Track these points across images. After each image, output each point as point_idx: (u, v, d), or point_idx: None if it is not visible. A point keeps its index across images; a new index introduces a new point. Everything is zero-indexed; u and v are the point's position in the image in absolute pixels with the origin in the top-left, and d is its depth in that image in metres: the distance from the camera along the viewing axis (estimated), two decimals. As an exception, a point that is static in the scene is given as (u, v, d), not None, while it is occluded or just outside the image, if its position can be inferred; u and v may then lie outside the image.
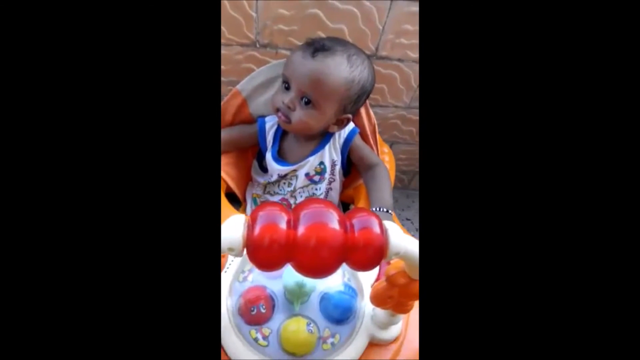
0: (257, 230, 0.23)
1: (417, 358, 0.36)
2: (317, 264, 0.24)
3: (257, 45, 0.62)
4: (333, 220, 0.23)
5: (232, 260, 0.39)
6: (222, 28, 0.59)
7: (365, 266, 0.25)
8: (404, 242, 0.24)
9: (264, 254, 0.23)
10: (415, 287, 0.28)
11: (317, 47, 0.46)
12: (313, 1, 0.57)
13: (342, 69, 0.45)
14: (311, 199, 0.28)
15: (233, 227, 0.23)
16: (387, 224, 0.25)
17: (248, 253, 0.23)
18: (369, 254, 0.24)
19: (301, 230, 0.23)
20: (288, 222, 0.23)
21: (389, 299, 0.29)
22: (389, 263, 0.31)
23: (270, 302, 0.35)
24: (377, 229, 0.24)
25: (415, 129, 0.87)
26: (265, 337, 0.34)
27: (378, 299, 0.30)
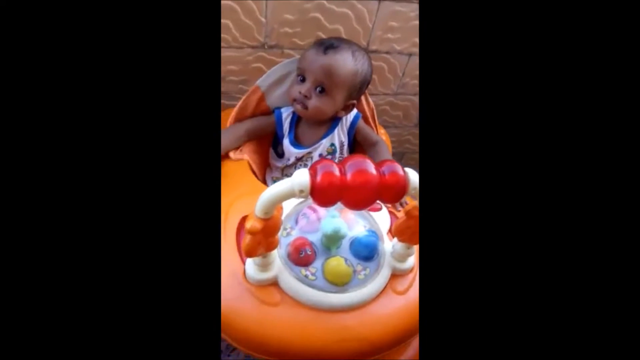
0: (319, 177, 0.32)
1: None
2: (361, 199, 0.33)
3: (266, 47, 0.71)
4: (371, 168, 0.33)
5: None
6: (235, 33, 0.67)
7: (394, 199, 0.34)
8: (418, 181, 0.35)
9: (325, 193, 0.32)
10: (427, 218, 0.38)
11: (327, 45, 0.55)
12: (314, 5, 0.67)
13: (348, 62, 0.55)
14: (352, 155, 0.37)
15: (302, 176, 0.32)
16: (406, 169, 0.35)
17: (313, 193, 0.33)
18: (397, 189, 0.33)
19: (349, 176, 0.33)
20: (340, 170, 0.33)
21: (407, 228, 0.40)
22: (395, 217, 0.40)
23: (313, 247, 0.45)
24: (401, 172, 0.34)
25: (402, 114, 0.98)
26: (313, 274, 0.43)
27: (399, 230, 0.41)
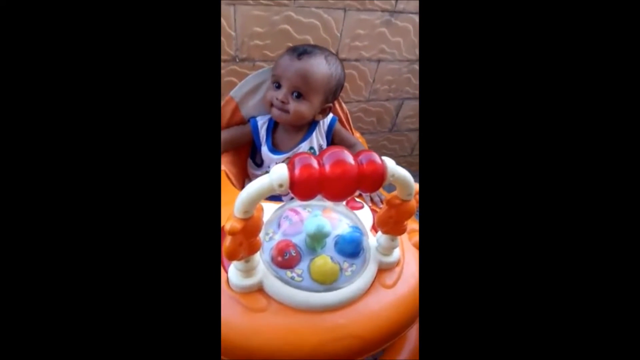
0: (297, 170, 0.32)
1: (416, 278, 0.47)
2: (341, 190, 0.33)
3: (237, 60, 0.72)
4: (349, 158, 0.33)
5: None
6: (205, 47, 0.68)
7: (374, 187, 0.35)
8: (396, 168, 0.35)
9: (304, 186, 0.32)
10: (406, 206, 0.39)
11: (301, 51, 0.57)
12: (282, 17, 0.69)
13: (322, 66, 0.56)
14: (330, 147, 0.37)
15: (280, 170, 0.32)
16: (384, 157, 0.35)
17: (292, 187, 0.32)
18: (376, 177, 0.34)
19: (327, 167, 0.33)
20: (318, 163, 0.33)
21: (389, 218, 0.40)
22: (375, 212, 0.41)
23: (297, 249, 0.44)
24: (379, 161, 0.34)
25: (375, 119, 1.00)
26: (299, 275, 0.42)
27: (381, 221, 0.41)
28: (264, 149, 0.64)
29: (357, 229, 0.47)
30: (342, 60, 0.81)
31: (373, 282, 0.44)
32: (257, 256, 0.41)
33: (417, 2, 0.74)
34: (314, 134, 0.64)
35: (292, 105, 0.57)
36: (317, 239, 0.44)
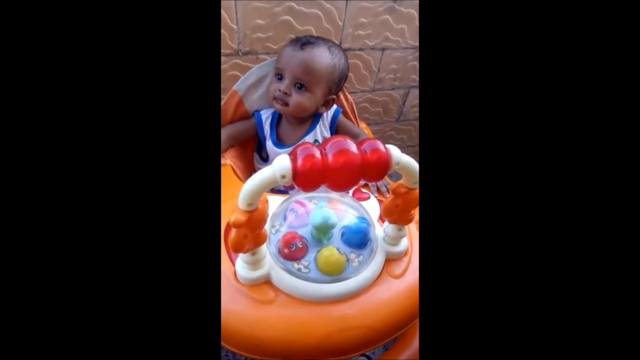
0: (299, 161, 0.32)
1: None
2: (345, 180, 0.33)
3: (240, 54, 0.71)
4: (352, 147, 0.33)
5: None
6: (207, 42, 0.68)
7: (378, 176, 0.34)
8: (401, 156, 0.34)
9: (307, 177, 0.32)
10: (412, 195, 0.38)
11: (304, 42, 0.56)
12: (283, 8, 0.68)
13: (325, 57, 0.56)
14: (333, 136, 0.36)
15: (282, 161, 0.32)
16: (388, 145, 0.35)
17: (295, 178, 0.32)
18: (380, 166, 0.33)
19: (330, 157, 0.32)
20: (320, 153, 0.32)
21: (396, 208, 0.39)
22: (382, 202, 0.40)
23: (304, 241, 0.44)
24: (383, 149, 0.34)
25: (382, 109, 0.99)
26: (306, 267, 0.42)
27: (388, 211, 0.40)
28: (269, 143, 0.63)
29: (363, 219, 0.46)
30: (345, 50, 0.80)
31: (381, 272, 0.43)
32: (264, 248, 0.41)
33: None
34: (317, 126, 0.63)
35: (294, 97, 0.57)
36: (323, 231, 0.44)
